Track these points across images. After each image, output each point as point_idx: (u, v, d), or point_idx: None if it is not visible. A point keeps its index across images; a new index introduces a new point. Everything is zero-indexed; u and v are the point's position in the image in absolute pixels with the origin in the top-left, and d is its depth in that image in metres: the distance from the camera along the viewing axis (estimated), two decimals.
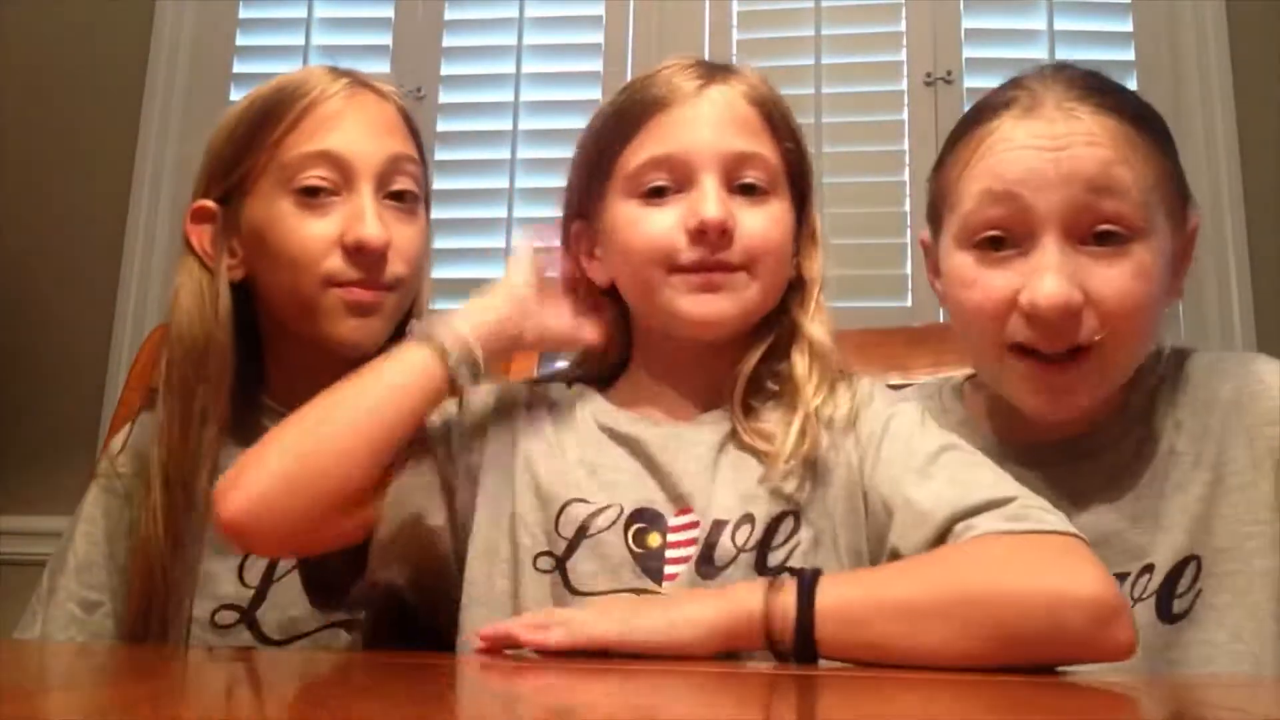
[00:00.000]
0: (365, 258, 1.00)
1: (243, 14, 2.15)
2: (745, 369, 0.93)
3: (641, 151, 0.92)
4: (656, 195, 0.91)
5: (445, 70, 2.07)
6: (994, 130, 0.91)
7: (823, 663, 0.74)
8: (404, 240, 1.03)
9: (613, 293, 0.96)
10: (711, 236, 0.88)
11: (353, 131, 1.02)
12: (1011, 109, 0.91)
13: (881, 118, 1.96)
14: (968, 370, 1.02)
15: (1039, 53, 1.94)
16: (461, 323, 0.90)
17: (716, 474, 0.89)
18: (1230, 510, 0.90)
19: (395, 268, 1.02)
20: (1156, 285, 0.89)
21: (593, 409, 0.96)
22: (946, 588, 0.74)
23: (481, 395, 0.96)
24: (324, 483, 0.85)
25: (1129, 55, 1.95)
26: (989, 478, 0.83)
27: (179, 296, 1.04)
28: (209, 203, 1.05)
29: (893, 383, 1.04)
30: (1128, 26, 1.96)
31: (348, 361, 1.03)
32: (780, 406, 0.92)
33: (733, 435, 0.90)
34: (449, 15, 2.10)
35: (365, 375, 0.89)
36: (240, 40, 2.14)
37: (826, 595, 0.75)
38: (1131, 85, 1.90)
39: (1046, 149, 0.88)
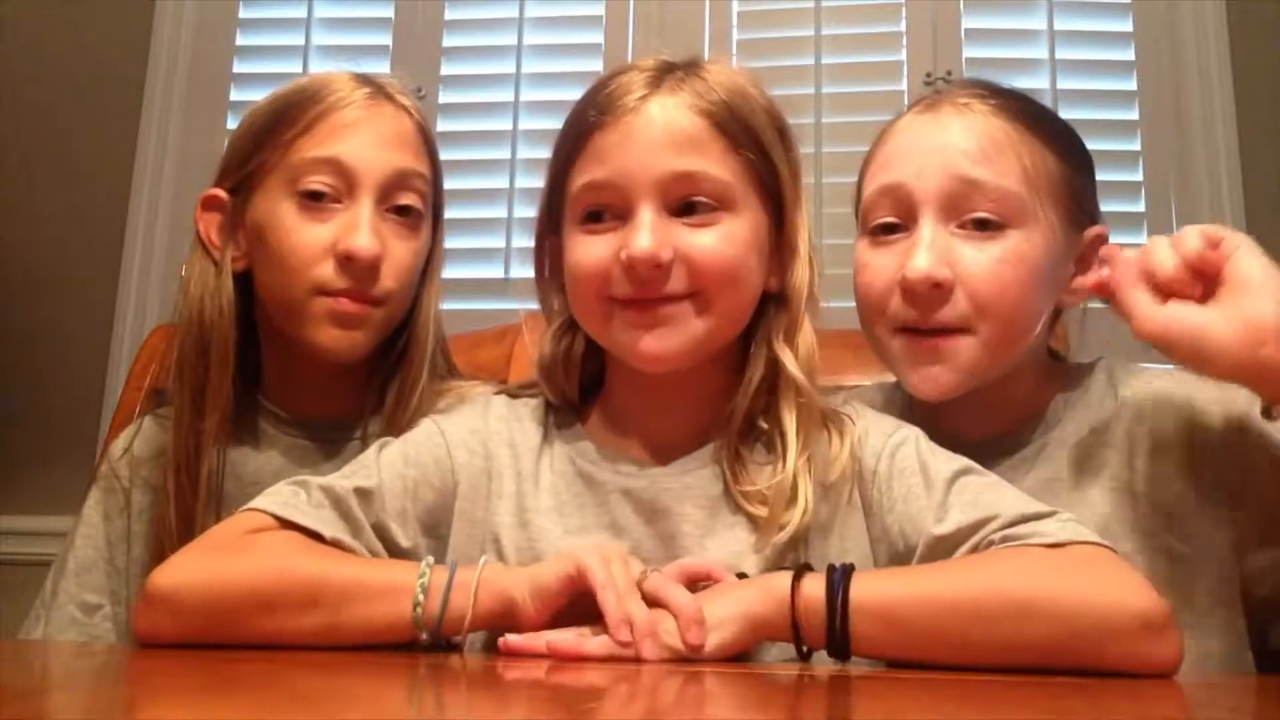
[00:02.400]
0: (355, 268, 0.99)
1: (243, 14, 2.15)
2: (736, 418, 0.87)
3: (581, 175, 0.87)
4: (595, 220, 0.86)
5: (445, 70, 2.07)
6: (893, 127, 0.98)
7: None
8: (399, 255, 1.02)
9: None
10: (641, 272, 0.83)
11: (363, 141, 1.02)
12: (914, 108, 0.98)
13: (881, 118, 1.93)
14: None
15: (1039, 53, 1.95)
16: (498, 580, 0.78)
17: (704, 539, 0.85)
18: (1153, 527, 0.90)
19: (386, 282, 1.01)
20: (1033, 276, 0.91)
21: (572, 448, 0.91)
22: (993, 591, 0.72)
23: (457, 429, 0.91)
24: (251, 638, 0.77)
25: (1129, 55, 1.94)
26: (1011, 497, 0.80)
27: (189, 287, 1.04)
28: (219, 192, 1.06)
29: (891, 382, 1.03)
30: (1128, 26, 1.96)
31: (338, 366, 1.03)
32: (769, 455, 0.88)
33: (724, 492, 0.86)
34: (449, 15, 2.11)
35: (337, 587, 0.78)
36: (240, 40, 2.14)
37: (863, 589, 0.73)
38: (1131, 85, 1.92)
39: (931, 137, 0.94)
